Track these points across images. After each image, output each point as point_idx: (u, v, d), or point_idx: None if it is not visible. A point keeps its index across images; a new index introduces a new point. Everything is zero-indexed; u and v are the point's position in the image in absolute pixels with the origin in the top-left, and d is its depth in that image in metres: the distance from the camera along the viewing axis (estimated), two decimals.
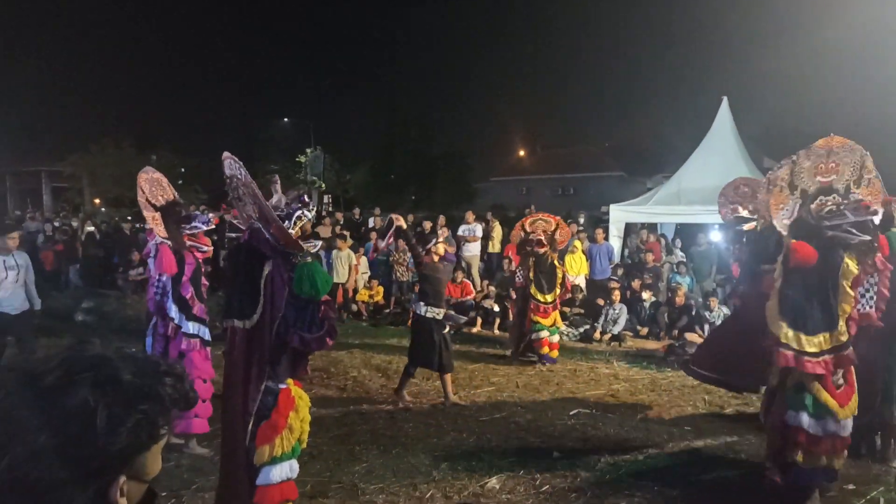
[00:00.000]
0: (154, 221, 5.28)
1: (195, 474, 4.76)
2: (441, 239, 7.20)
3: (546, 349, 8.30)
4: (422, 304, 6.65)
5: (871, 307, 4.62)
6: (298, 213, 3.78)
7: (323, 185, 21.98)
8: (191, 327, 5.28)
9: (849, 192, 4.10)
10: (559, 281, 8.48)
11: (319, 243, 4.31)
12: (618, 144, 39.77)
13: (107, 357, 1.00)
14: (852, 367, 4.10)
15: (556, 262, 8.56)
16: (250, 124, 44.66)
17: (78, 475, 0.93)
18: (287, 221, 3.67)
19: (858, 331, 4.42)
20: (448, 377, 6.70)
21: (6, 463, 0.89)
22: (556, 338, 8.46)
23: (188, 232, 5.42)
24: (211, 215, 5.94)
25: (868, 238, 4.01)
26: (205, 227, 5.64)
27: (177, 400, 1.04)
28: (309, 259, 3.59)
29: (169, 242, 5.25)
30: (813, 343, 4.00)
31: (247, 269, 3.64)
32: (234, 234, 6.40)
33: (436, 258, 6.82)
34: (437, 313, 6.63)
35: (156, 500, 1.07)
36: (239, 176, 3.57)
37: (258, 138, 42.31)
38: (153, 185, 5.43)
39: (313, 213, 3.94)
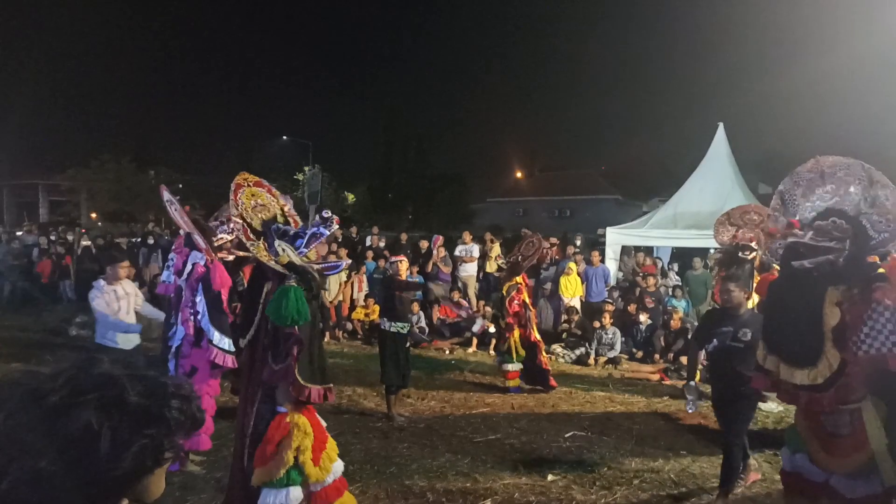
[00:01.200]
0: (202, 241, 5.14)
1: (187, 492, 4.72)
2: (401, 258, 7.31)
3: (506, 380, 8.09)
4: (386, 319, 6.88)
5: (889, 348, 3.32)
6: (315, 230, 3.64)
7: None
8: (226, 343, 5.16)
9: (860, 214, 3.53)
10: (506, 305, 8.12)
11: (343, 263, 4.15)
12: (614, 168, 40.06)
13: (114, 377, 0.97)
14: (864, 419, 3.34)
15: (504, 290, 8.20)
16: (249, 142, 44.87)
17: (79, 499, 0.90)
18: (299, 240, 3.58)
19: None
20: (401, 392, 7.12)
21: (6, 485, 0.86)
22: (510, 366, 8.05)
23: (216, 244, 5.37)
24: (233, 225, 5.88)
25: (801, 263, 3.53)
26: (230, 237, 5.55)
27: (183, 423, 1.01)
28: (293, 283, 3.40)
29: (212, 258, 5.14)
30: (789, 373, 3.57)
31: (250, 288, 3.63)
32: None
33: (402, 276, 7.01)
34: (402, 328, 6.86)
35: None
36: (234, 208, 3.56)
37: (257, 156, 42.51)
38: (172, 207, 5.37)
39: (333, 229, 3.83)
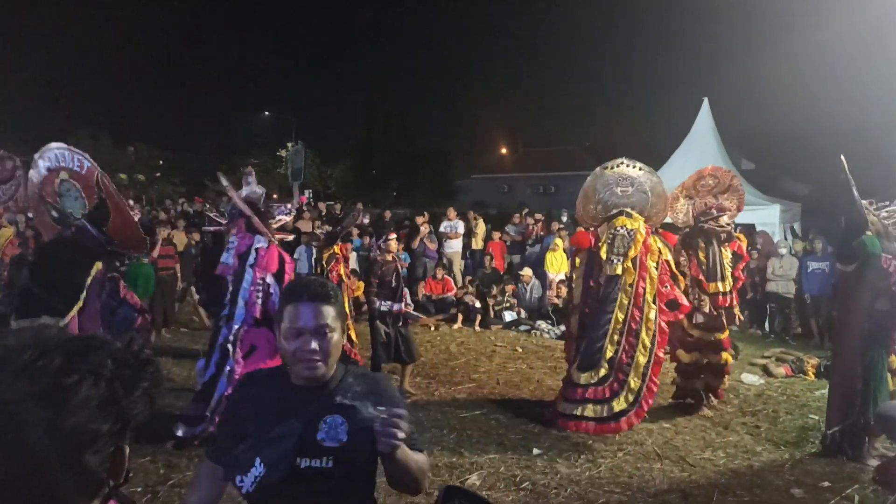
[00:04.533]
0: (258, 225, 5.32)
1: (171, 470, 4.68)
2: (393, 237, 7.17)
3: None
4: (376, 300, 6.80)
5: None
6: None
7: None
8: None
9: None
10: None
11: None
12: (598, 144, 40.01)
13: (82, 336, 0.99)
14: None
15: (324, 261, 8.02)
16: (230, 118, 44.18)
17: (112, 433, 0.93)
18: None
19: (842, 335, 4.47)
20: (408, 368, 6.92)
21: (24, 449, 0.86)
22: None
23: (275, 225, 5.60)
24: (289, 205, 6.13)
25: None
26: (288, 217, 5.82)
27: (160, 374, 1.05)
28: (145, 260, 3.52)
29: (266, 243, 5.32)
30: None
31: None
32: (211, 228, 6.49)
33: (388, 256, 6.90)
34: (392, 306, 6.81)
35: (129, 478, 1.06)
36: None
37: (238, 132, 42.00)
38: (231, 193, 5.57)
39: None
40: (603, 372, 5.58)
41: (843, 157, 5.20)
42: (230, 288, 5.31)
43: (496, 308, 10.92)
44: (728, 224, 6.54)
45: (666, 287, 5.79)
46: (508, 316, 10.80)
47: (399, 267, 7.14)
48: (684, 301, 5.90)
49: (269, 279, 5.22)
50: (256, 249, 5.25)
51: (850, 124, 18.80)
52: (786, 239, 11.22)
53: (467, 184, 38.42)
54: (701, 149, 12.48)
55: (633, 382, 5.48)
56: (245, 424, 1.77)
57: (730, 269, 6.51)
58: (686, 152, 12.73)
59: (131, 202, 20.25)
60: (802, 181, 20.01)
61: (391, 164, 33.90)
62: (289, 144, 31.45)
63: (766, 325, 10.56)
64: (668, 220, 6.72)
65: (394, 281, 6.89)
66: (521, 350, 9.12)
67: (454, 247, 12.94)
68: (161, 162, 33.09)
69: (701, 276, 6.40)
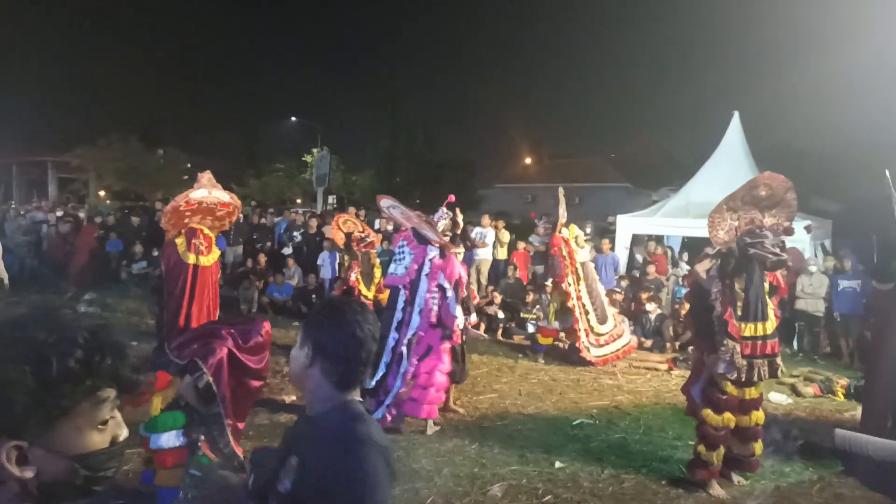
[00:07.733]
0: (428, 235, 5.90)
1: None
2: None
3: None
4: None
5: None
6: None
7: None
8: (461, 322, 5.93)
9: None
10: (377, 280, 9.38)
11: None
12: (624, 156, 39.83)
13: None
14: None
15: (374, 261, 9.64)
16: (257, 123, 44.57)
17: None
18: None
19: (877, 355, 4.32)
20: (452, 385, 6.59)
21: None
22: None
23: (439, 230, 6.05)
24: (444, 209, 6.37)
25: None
26: (445, 221, 6.20)
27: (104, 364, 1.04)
28: None
29: (438, 252, 5.84)
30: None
31: None
32: None
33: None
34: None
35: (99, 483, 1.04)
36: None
37: (265, 137, 42.40)
38: (395, 210, 6.23)
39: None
40: (611, 326, 8.97)
41: (887, 172, 5.09)
42: (404, 296, 5.82)
43: (522, 317, 10.86)
44: (777, 247, 4.80)
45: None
46: (531, 326, 10.73)
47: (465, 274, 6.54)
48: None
49: (446, 283, 5.68)
50: (430, 260, 5.75)
51: (882, 141, 18.45)
52: (815, 256, 11.02)
53: (490, 193, 38.40)
54: (730, 162, 12.31)
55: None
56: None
57: (772, 307, 4.88)
58: (715, 165, 12.57)
59: (159, 203, 20.51)
60: (833, 198, 19.67)
61: (415, 172, 33.98)
62: (314, 150, 31.70)
63: (795, 343, 10.36)
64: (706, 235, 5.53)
65: (463, 290, 6.29)
66: (542, 361, 9.06)
67: (483, 254, 12.77)
68: (189, 165, 33.54)
69: (730, 316, 4.75)
